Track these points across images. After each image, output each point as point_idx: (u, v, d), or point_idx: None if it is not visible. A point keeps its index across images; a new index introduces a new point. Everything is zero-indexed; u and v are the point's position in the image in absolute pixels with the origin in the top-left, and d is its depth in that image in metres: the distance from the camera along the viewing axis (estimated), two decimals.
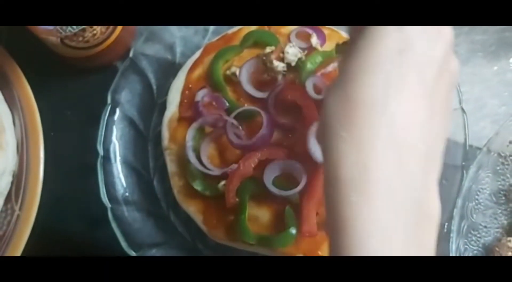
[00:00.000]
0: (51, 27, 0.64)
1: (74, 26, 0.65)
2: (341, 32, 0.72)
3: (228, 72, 0.70)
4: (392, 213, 0.40)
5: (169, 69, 0.75)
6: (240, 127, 0.66)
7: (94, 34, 0.68)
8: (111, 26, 0.70)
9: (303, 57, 0.69)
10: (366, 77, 0.42)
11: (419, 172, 0.41)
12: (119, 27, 0.72)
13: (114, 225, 0.66)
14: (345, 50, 0.49)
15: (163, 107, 0.73)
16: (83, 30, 0.66)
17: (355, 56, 0.44)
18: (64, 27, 0.64)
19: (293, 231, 0.62)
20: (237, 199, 0.64)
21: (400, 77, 0.42)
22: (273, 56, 0.68)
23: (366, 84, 0.42)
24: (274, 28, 0.73)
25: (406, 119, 0.41)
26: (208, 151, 0.68)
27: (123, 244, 0.65)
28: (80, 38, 0.68)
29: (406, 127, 0.41)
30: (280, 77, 0.68)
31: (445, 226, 0.63)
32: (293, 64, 0.68)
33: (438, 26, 0.46)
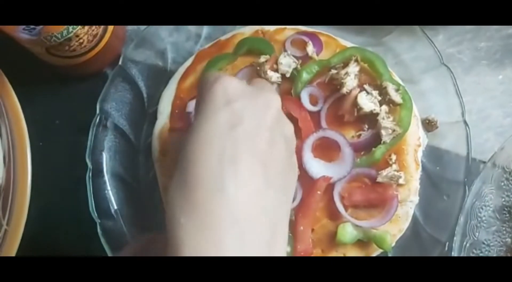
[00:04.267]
0: (34, 37, 0.61)
1: (59, 36, 0.62)
2: (339, 39, 0.69)
3: None
4: None
5: (160, 77, 0.72)
6: None
7: (81, 43, 0.66)
8: (99, 35, 0.67)
9: (298, 67, 0.66)
10: (201, 158, 0.42)
11: (264, 248, 0.41)
12: (108, 34, 0.69)
13: (103, 240, 0.64)
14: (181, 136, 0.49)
15: (154, 117, 0.70)
16: (69, 39, 0.64)
17: (190, 137, 0.44)
18: (48, 37, 0.62)
19: (288, 249, 0.60)
20: None
21: (233, 152, 0.42)
22: (267, 66, 0.65)
23: (201, 164, 0.42)
24: (268, 35, 0.70)
25: (244, 193, 0.41)
26: None
27: None
28: (66, 47, 0.65)
29: (245, 202, 0.41)
30: (275, 87, 0.66)
31: (446, 245, 0.61)
32: (287, 75, 0.65)
33: (266, 95, 0.48)
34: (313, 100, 0.65)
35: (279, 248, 0.43)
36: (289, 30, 0.69)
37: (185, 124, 0.66)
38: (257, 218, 0.41)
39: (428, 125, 0.66)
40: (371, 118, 0.64)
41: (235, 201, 0.41)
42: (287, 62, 0.65)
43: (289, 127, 0.50)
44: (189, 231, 0.39)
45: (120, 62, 0.70)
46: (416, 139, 0.64)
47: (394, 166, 0.62)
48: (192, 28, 0.74)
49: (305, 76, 0.65)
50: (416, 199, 0.63)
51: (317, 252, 0.62)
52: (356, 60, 0.65)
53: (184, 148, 0.44)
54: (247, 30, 0.71)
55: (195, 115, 0.47)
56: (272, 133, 0.46)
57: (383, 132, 0.62)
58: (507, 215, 0.62)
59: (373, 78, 0.66)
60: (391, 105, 0.64)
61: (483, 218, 0.61)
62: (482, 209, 0.61)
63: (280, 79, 0.65)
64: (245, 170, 0.42)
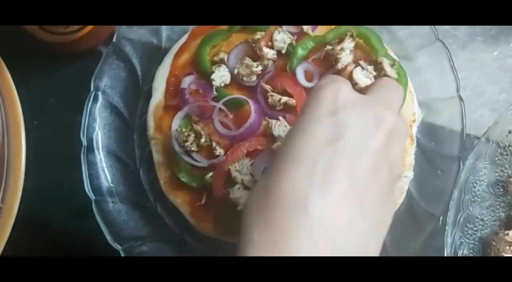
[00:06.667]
0: None
1: None
2: None
3: (216, 58, 0.67)
4: None
5: (154, 55, 0.72)
6: (229, 113, 0.64)
7: None
8: None
9: (294, 43, 0.66)
10: (289, 169, 0.37)
11: None
12: None
13: (98, 218, 0.63)
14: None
15: (148, 94, 0.70)
16: None
17: (285, 144, 0.39)
18: None
19: None
20: (224, 191, 0.62)
21: (327, 171, 0.37)
22: (262, 43, 0.64)
23: (288, 176, 0.37)
24: None
25: (329, 221, 0.36)
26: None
27: (108, 237, 0.63)
28: None
29: (329, 229, 0.36)
30: (270, 63, 0.65)
31: (440, 219, 0.61)
32: (283, 51, 0.65)
33: (379, 110, 0.41)
34: (309, 77, 0.65)
35: None
36: None
37: (179, 101, 0.66)
38: (343, 250, 0.36)
39: None
40: None
41: (318, 226, 0.35)
42: (281, 38, 0.65)
43: (398, 150, 0.43)
44: (260, 249, 0.35)
45: (114, 40, 0.69)
46: (411, 115, 0.64)
47: None
48: None
49: (300, 52, 0.65)
50: (411, 174, 0.63)
51: None
52: (352, 36, 0.64)
53: (279, 152, 0.39)
54: None
55: (297, 119, 0.42)
56: (377, 158, 0.39)
57: None
58: (501, 190, 0.62)
59: (368, 54, 0.66)
60: None
61: (477, 193, 0.61)
62: (476, 183, 0.61)
63: (275, 56, 0.65)
64: (337, 194, 0.36)
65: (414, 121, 0.64)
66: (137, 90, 0.71)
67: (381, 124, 0.40)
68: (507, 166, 0.62)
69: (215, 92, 0.65)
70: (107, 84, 0.69)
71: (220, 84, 0.65)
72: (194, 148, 0.63)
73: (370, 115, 0.40)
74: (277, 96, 0.64)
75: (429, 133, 0.66)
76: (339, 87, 0.41)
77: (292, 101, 0.63)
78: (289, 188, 0.36)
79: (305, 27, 0.66)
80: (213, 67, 0.66)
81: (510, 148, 0.62)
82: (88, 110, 0.67)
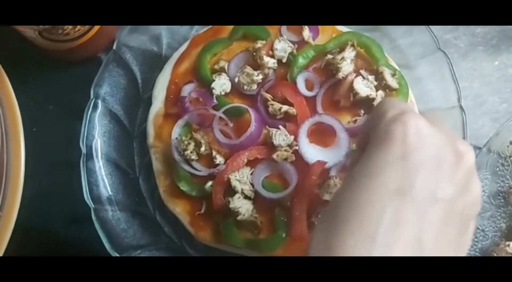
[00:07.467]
0: None
1: None
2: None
3: (216, 66, 0.67)
4: None
5: (155, 62, 0.72)
6: (229, 122, 0.64)
7: (75, 26, 0.65)
8: None
9: (295, 51, 0.66)
10: (353, 221, 0.36)
11: None
12: None
13: (97, 226, 0.63)
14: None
15: (148, 102, 0.70)
16: None
17: (349, 187, 0.38)
18: None
19: (283, 234, 0.60)
20: (224, 200, 0.61)
21: (392, 228, 0.35)
22: (263, 52, 0.64)
23: (350, 231, 0.35)
24: None
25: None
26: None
27: (107, 245, 0.63)
28: (60, 31, 0.64)
29: None
30: (270, 72, 0.65)
31: None
32: (284, 60, 0.65)
33: (459, 144, 0.39)
34: (309, 86, 0.65)
35: None
36: None
37: (180, 110, 0.66)
38: None
39: None
40: (367, 104, 0.63)
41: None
42: (282, 47, 0.65)
43: (479, 184, 0.40)
44: None
45: (114, 47, 0.69)
46: None
47: None
48: None
49: (301, 61, 0.65)
50: None
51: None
52: (352, 45, 0.64)
53: (338, 197, 0.38)
54: None
55: (364, 153, 0.39)
56: (452, 204, 0.37)
57: None
58: (502, 201, 0.62)
59: (369, 63, 0.66)
60: (387, 90, 0.63)
61: None
62: None
63: (276, 65, 0.65)
64: (400, 254, 0.35)
65: None
66: (137, 98, 0.71)
67: (462, 160, 0.38)
68: (508, 177, 0.62)
69: (215, 101, 0.65)
70: (107, 91, 0.69)
71: (220, 92, 0.65)
72: (194, 157, 0.63)
73: (449, 151, 0.38)
74: (277, 105, 0.63)
75: None
76: (412, 120, 0.38)
77: (292, 110, 0.63)
78: (352, 245, 0.35)
79: (306, 36, 0.66)
80: (214, 76, 0.66)
81: (511, 158, 0.61)
82: (88, 117, 0.67)
